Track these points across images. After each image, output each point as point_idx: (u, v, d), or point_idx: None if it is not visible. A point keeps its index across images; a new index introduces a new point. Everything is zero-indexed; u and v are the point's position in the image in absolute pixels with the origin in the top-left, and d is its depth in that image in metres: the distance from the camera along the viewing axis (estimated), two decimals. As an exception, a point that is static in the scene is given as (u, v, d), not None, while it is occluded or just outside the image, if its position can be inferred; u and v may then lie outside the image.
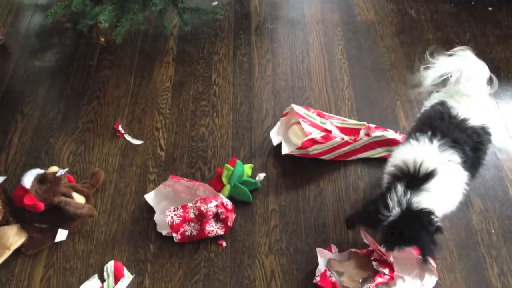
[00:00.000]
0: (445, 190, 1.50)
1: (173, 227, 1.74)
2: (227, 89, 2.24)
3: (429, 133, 1.54)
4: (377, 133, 1.94)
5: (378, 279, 1.59)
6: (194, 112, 2.16)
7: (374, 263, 1.64)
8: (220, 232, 1.76)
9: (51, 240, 1.74)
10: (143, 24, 2.26)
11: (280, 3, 2.65)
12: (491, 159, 1.98)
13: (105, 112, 2.16)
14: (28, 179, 1.74)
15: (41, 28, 2.53)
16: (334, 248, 1.73)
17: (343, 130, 2.01)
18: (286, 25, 2.53)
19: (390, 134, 1.96)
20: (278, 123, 2.07)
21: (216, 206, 1.75)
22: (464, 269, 1.70)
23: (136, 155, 2.01)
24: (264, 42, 2.45)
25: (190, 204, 1.78)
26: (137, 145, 2.05)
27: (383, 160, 1.81)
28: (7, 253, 1.71)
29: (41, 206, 1.69)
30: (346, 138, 1.93)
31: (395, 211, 1.44)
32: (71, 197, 1.77)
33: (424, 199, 1.45)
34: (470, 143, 1.54)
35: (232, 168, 1.87)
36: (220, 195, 1.81)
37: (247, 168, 1.92)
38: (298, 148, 1.90)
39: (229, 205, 1.79)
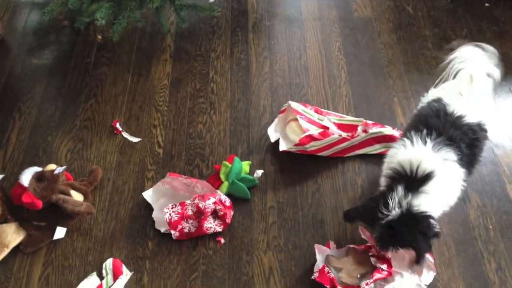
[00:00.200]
0: (443, 190, 1.50)
1: (171, 224, 1.74)
2: (224, 86, 2.24)
3: (424, 131, 1.54)
4: (375, 129, 1.95)
5: (376, 275, 1.60)
6: (191, 109, 2.16)
7: (372, 259, 1.64)
8: (218, 229, 1.76)
9: (50, 238, 1.74)
10: (140, 22, 2.26)
11: (277, 0, 2.65)
12: (488, 155, 1.99)
13: (102, 110, 2.16)
14: (26, 177, 1.74)
15: (38, 26, 2.52)
16: (332, 244, 1.73)
17: (340, 126, 2.01)
18: (283, 22, 2.53)
19: (388, 130, 1.97)
20: (276, 120, 2.07)
21: (214, 203, 1.75)
22: (462, 265, 1.71)
23: (134, 152, 2.01)
24: (262, 39, 2.45)
25: (188, 201, 1.78)
26: (135, 142, 2.05)
27: (380, 157, 1.81)
28: (6, 251, 1.71)
29: (39, 204, 1.69)
30: (344, 134, 1.94)
31: (395, 211, 1.44)
32: (69, 195, 1.77)
33: (423, 202, 1.46)
34: (466, 140, 1.54)
35: (230, 165, 1.87)
36: (218, 192, 1.82)
37: (245, 165, 1.93)
38: (296, 145, 1.90)
39: (227, 202, 1.79)
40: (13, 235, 1.72)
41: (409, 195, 1.45)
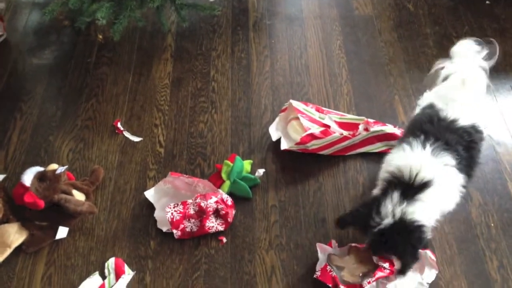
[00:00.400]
0: (440, 199, 1.49)
1: (173, 224, 1.74)
2: (225, 85, 2.24)
3: (422, 137, 1.53)
4: (376, 127, 1.95)
5: (379, 273, 1.60)
6: (193, 109, 2.16)
7: (374, 258, 1.64)
8: (220, 228, 1.77)
9: (52, 237, 1.75)
10: (140, 21, 2.26)
11: (277, -2, 2.66)
12: (489, 152, 1.99)
13: (104, 110, 2.16)
14: (28, 177, 1.74)
15: (39, 26, 2.52)
16: (334, 243, 1.73)
17: (342, 125, 2.01)
18: (284, 20, 2.53)
19: (389, 128, 1.97)
20: (277, 119, 2.07)
21: (216, 202, 1.75)
22: (464, 263, 1.71)
23: (135, 152, 2.02)
24: (262, 38, 2.45)
25: (190, 201, 1.78)
26: (136, 142, 2.05)
27: (382, 155, 1.81)
28: (8, 251, 1.71)
29: (41, 203, 1.69)
30: (345, 133, 1.94)
31: (387, 220, 1.43)
32: (71, 194, 1.77)
33: (418, 210, 1.44)
34: (463, 143, 1.53)
35: (231, 164, 1.87)
36: (220, 191, 1.82)
37: (247, 164, 1.93)
38: (297, 144, 1.90)
39: (229, 201, 1.79)
40: (16, 235, 1.72)
41: (404, 202, 1.44)
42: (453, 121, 1.56)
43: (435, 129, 1.54)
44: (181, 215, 1.74)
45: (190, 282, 1.68)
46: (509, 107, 2.16)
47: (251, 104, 2.17)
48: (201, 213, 1.75)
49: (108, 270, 1.69)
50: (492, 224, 1.80)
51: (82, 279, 1.68)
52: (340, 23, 2.51)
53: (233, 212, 1.80)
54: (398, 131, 1.96)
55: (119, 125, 2.09)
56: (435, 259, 1.66)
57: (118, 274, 1.68)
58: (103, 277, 1.69)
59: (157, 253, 1.74)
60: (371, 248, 1.50)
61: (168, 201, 1.83)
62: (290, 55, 2.37)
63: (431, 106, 1.64)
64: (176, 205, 1.77)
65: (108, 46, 2.41)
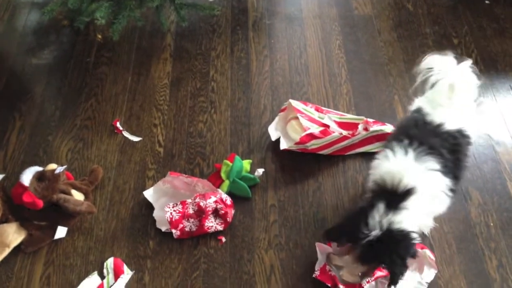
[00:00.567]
0: (426, 204, 1.48)
1: (172, 223, 1.74)
2: (225, 85, 2.24)
3: (406, 142, 1.52)
4: (375, 127, 1.95)
5: (378, 273, 1.60)
6: (192, 108, 2.16)
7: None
8: (220, 227, 1.76)
9: (51, 237, 1.74)
10: (140, 21, 2.26)
11: (277, -2, 2.66)
12: (489, 152, 1.99)
13: (103, 109, 2.16)
14: (27, 177, 1.74)
15: (38, 25, 2.52)
16: (333, 242, 1.73)
17: (341, 124, 2.01)
18: (284, 20, 2.53)
19: (388, 128, 1.96)
20: (276, 118, 2.07)
21: (215, 201, 1.75)
22: (463, 262, 1.71)
23: (134, 151, 2.01)
24: (262, 37, 2.45)
25: (189, 200, 1.78)
26: (136, 141, 2.05)
27: (381, 154, 1.81)
28: (7, 251, 1.71)
29: (40, 203, 1.69)
30: (345, 132, 1.94)
31: (375, 232, 1.42)
32: (70, 194, 1.77)
33: (404, 219, 1.43)
34: (447, 146, 1.52)
35: (230, 164, 1.87)
36: (219, 190, 1.82)
37: (246, 164, 1.93)
38: (297, 143, 1.90)
39: (228, 200, 1.79)
40: (14, 235, 1.72)
41: (390, 213, 1.43)
42: (439, 125, 1.56)
43: (420, 133, 1.54)
44: (180, 214, 1.74)
45: (189, 282, 1.68)
46: (508, 107, 2.16)
47: (250, 103, 2.17)
48: (200, 213, 1.75)
49: (107, 270, 1.69)
50: (492, 224, 1.80)
51: (81, 279, 1.68)
52: (340, 22, 2.51)
53: (232, 211, 1.80)
54: (397, 131, 1.96)
55: (118, 124, 2.09)
56: (434, 259, 1.66)
57: (117, 274, 1.68)
58: (102, 277, 1.69)
59: (156, 252, 1.74)
60: (360, 259, 1.48)
61: (167, 200, 1.83)
62: (290, 54, 2.37)
63: (418, 110, 1.64)
64: (175, 205, 1.76)
65: (107, 46, 2.40)
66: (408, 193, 1.44)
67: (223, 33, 2.46)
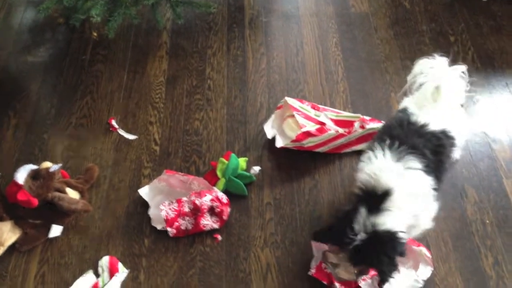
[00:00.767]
0: (408, 202, 1.47)
1: (168, 222, 1.73)
2: (221, 83, 2.24)
3: (387, 142, 1.52)
4: (372, 125, 1.94)
5: (374, 271, 1.59)
6: (188, 106, 2.15)
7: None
8: (215, 226, 1.76)
9: (45, 236, 1.74)
10: (135, 18, 2.25)
11: (273, -4, 2.65)
12: (485, 150, 1.99)
13: (98, 107, 2.15)
14: (21, 175, 1.73)
15: (34, 23, 2.51)
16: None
17: (337, 122, 2.00)
18: (280, 18, 2.52)
19: (385, 126, 1.96)
20: (273, 116, 2.06)
21: (211, 200, 1.74)
22: (459, 259, 1.71)
23: (130, 149, 2.01)
24: (258, 35, 2.44)
25: (184, 198, 1.77)
26: (131, 139, 2.04)
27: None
28: (1, 250, 1.70)
29: (35, 201, 1.68)
30: (341, 130, 1.93)
31: (360, 236, 1.41)
32: (64, 192, 1.76)
33: (387, 219, 1.43)
34: (430, 146, 1.52)
35: (226, 162, 1.86)
36: (215, 189, 1.81)
37: (242, 162, 1.92)
38: (293, 141, 1.89)
39: (224, 198, 1.78)
40: (9, 233, 1.71)
41: (372, 215, 1.43)
42: (423, 126, 1.55)
43: (403, 133, 1.54)
44: (175, 213, 1.74)
45: (184, 280, 1.67)
46: (505, 104, 2.15)
47: (246, 101, 2.16)
48: (196, 211, 1.74)
49: (102, 268, 1.69)
50: (488, 221, 1.79)
51: (75, 277, 1.68)
52: (336, 20, 2.50)
53: (228, 210, 1.79)
54: (393, 128, 1.96)
55: (113, 122, 2.08)
56: (430, 256, 1.66)
57: (112, 272, 1.67)
58: (97, 275, 1.68)
59: (151, 251, 1.73)
60: (351, 262, 1.49)
61: (162, 199, 1.82)
62: (286, 52, 2.36)
63: (404, 110, 1.64)
64: (170, 203, 1.76)
65: (103, 44, 2.40)
66: (387, 193, 1.44)
67: (220, 31, 2.45)
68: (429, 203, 1.54)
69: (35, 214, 1.74)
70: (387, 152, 1.50)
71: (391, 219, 1.43)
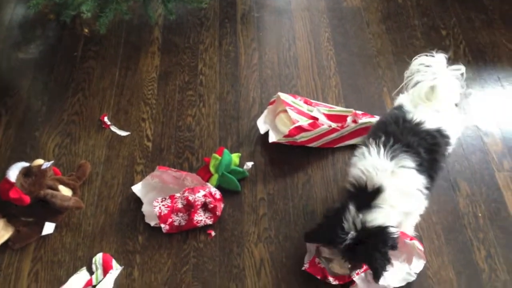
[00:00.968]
0: (399, 200, 1.47)
1: (161, 218, 1.73)
2: (213, 79, 2.23)
3: (382, 138, 1.51)
4: (364, 119, 1.94)
5: (367, 265, 1.60)
6: (180, 102, 2.14)
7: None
8: (209, 221, 1.76)
9: (38, 233, 1.73)
10: (127, 14, 2.23)
11: (265, -10, 2.64)
12: (477, 143, 2.00)
13: (90, 104, 2.14)
14: (13, 173, 1.72)
15: (24, 19, 2.49)
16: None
17: (330, 117, 2.00)
18: (272, 13, 2.51)
19: (377, 120, 1.96)
20: (265, 112, 2.06)
21: (204, 195, 1.74)
22: (452, 252, 1.72)
23: (122, 146, 2.00)
24: (250, 30, 2.43)
25: (178, 194, 1.77)
26: (124, 136, 2.03)
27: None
28: (-6, 248, 1.69)
29: (27, 199, 1.67)
30: (334, 125, 1.93)
31: (351, 234, 1.41)
32: (57, 189, 1.75)
33: (378, 216, 1.43)
34: (425, 145, 1.52)
35: (219, 158, 1.86)
36: (208, 184, 1.81)
37: (235, 157, 1.92)
38: (286, 136, 1.89)
39: (217, 194, 1.78)
40: (1, 232, 1.70)
41: (361, 213, 1.43)
42: (418, 124, 1.55)
43: (398, 131, 1.53)
44: (169, 209, 1.73)
45: (178, 276, 1.67)
46: (496, 98, 2.16)
47: (239, 97, 2.16)
48: (189, 207, 1.74)
49: (96, 266, 1.68)
50: (480, 214, 1.80)
51: (69, 275, 1.67)
52: (328, 15, 2.50)
53: (222, 205, 1.79)
54: (386, 123, 1.96)
55: (106, 119, 2.07)
56: (423, 249, 1.67)
57: (106, 269, 1.67)
58: (91, 272, 1.68)
59: (145, 247, 1.73)
60: (345, 259, 1.49)
61: (155, 195, 1.82)
62: (279, 47, 2.36)
63: (399, 107, 1.64)
64: (164, 199, 1.76)
65: (94, 40, 2.38)
66: (378, 191, 1.45)
67: (211, 26, 2.45)
68: (420, 201, 1.55)
69: (27, 212, 1.73)
70: (381, 150, 1.50)
71: (382, 216, 1.43)
